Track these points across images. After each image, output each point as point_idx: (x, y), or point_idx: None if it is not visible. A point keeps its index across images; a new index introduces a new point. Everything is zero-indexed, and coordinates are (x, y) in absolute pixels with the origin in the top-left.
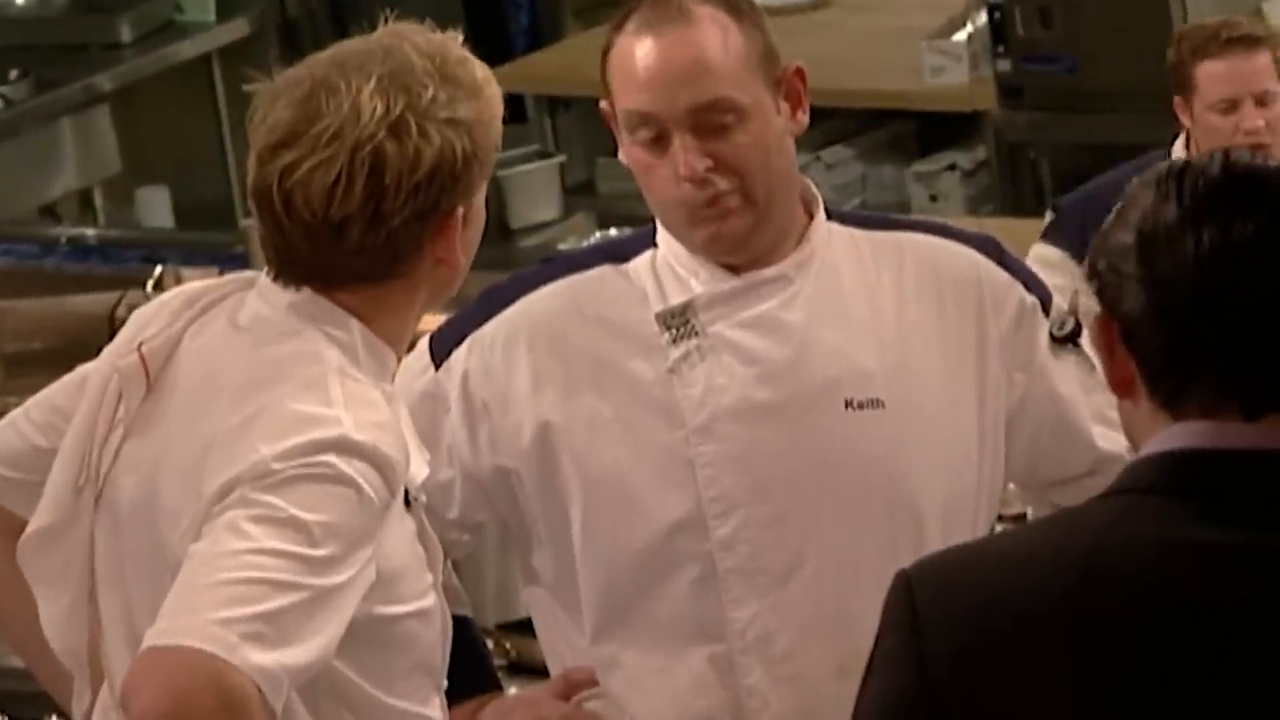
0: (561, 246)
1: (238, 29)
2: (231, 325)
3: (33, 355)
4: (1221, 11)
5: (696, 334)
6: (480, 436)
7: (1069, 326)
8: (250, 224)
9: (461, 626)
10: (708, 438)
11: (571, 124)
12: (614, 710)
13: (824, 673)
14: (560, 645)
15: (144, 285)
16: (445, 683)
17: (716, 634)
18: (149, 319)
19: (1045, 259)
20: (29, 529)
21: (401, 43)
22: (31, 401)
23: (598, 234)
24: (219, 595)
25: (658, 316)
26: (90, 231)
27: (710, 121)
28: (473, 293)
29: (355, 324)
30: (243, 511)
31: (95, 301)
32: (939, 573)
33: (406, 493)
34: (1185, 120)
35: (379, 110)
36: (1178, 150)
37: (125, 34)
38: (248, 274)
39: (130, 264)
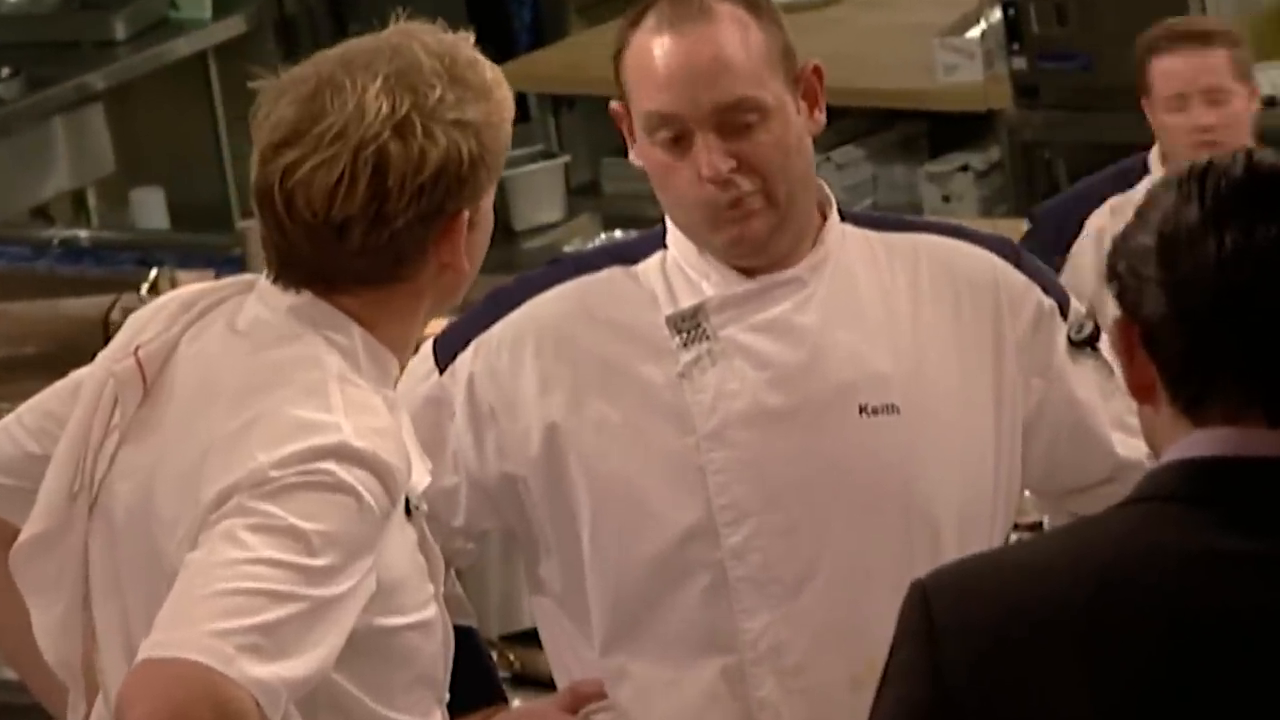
0: (566, 249)
1: (234, 26)
2: (230, 329)
3: (24, 360)
4: (1242, 8)
5: (707, 338)
6: (487, 442)
7: (1088, 330)
8: (247, 226)
9: (466, 637)
10: (719, 444)
11: (575, 123)
12: None
13: (837, 684)
14: (567, 656)
15: (139, 288)
16: (447, 696)
17: (728, 645)
18: (145, 322)
19: None
20: (22, 537)
21: (410, 42)
22: (24, 407)
23: (602, 236)
24: (215, 606)
25: (668, 320)
26: (83, 233)
27: (733, 121)
28: (476, 296)
29: (356, 329)
30: (240, 520)
31: (88, 305)
32: (956, 582)
33: (408, 501)
34: (1150, 121)
35: (384, 110)
36: (1153, 154)
37: (119, 31)
38: (247, 277)
39: (124, 267)
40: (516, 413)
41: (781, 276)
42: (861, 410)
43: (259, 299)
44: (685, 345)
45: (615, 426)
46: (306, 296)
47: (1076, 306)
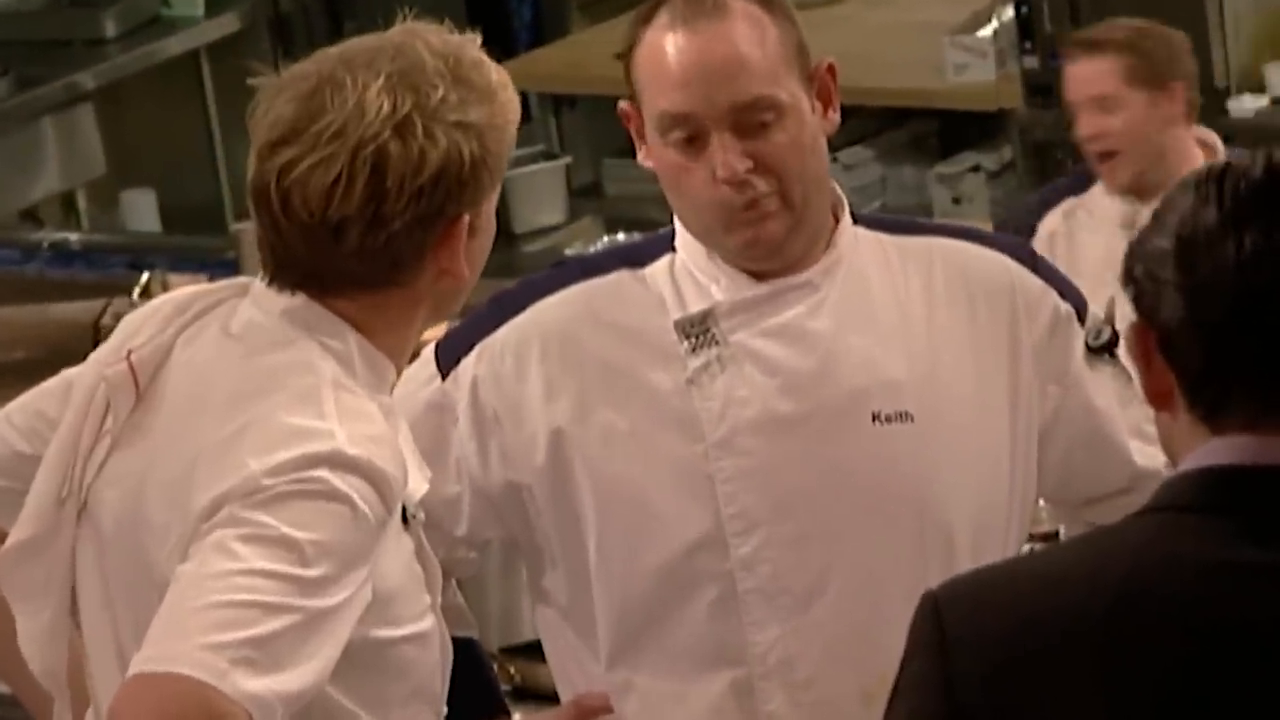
0: (568, 251)
1: (227, 24)
2: (224, 333)
3: (14, 365)
4: (1259, 7)
5: (717, 343)
6: (491, 449)
7: (1105, 336)
8: (241, 228)
9: (467, 648)
10: (728, 452)
11: (577, 123)
12: None
13: (848, 698)
14: (571, 669)
15: (130, 292)
16: (445, 710)
17: (736, 658)
18: (138, 326)
19: None
20: (9, 542)
21: (414, 41)
22: (13, 406)
23: (605, 238)
24: (208, 619)
25: (676, 325)
26: (74, 236)
27: (750, 120)
28: (477, 301)
29: (351, 334)
30: (232, 530)
31: (79, 309)
32: (969, 593)
33: (404, 510)
34: None
35: (384, 109)
36: None
37: (109, 29)
38: (241, 280)
39: (115, 270)
40: (521, 419)
41: (793, 281)
42: (874, 418)
43: (253, 302)
44: (694, 351)
45: (622, 433)
46: (301, 299)
47: (1094, 312)
